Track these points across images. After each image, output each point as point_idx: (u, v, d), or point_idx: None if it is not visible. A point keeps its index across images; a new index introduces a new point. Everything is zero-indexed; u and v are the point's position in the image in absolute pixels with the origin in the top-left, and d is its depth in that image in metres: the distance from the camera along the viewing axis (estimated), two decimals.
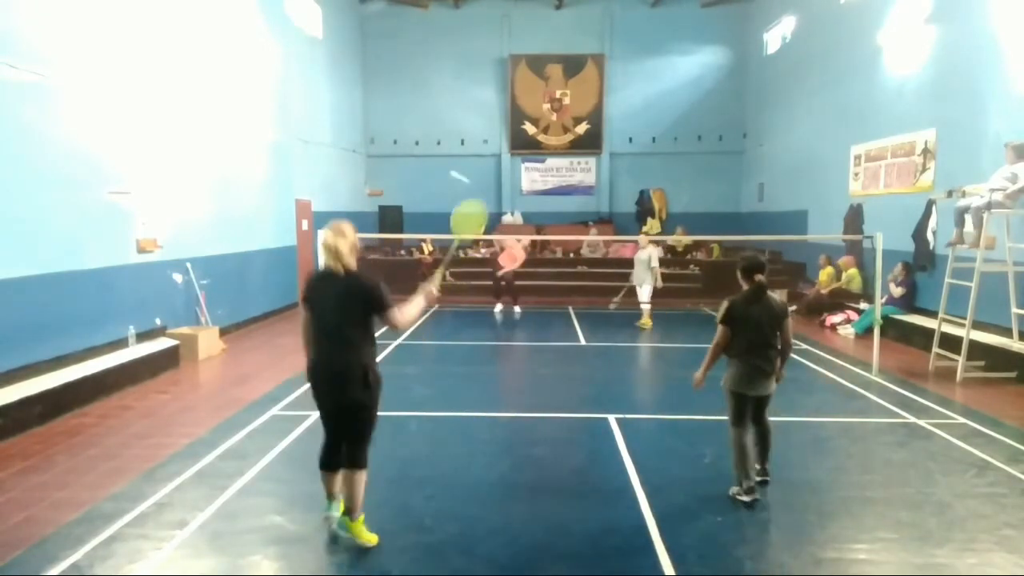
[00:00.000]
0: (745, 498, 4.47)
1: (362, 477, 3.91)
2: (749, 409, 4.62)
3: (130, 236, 8.30)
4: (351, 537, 3.91)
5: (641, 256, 11.61)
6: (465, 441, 5.90)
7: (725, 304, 4.59)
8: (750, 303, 4.53)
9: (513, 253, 12.71)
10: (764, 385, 4.59)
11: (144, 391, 7.42)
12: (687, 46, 19.09)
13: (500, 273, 12.63)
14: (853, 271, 12.22)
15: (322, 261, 3.95)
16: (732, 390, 4.62)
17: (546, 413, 6.77)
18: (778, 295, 4.95)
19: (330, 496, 4.07)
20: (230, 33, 10.95)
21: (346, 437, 3.94)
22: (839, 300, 12.09)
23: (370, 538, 3.92)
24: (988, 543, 3.99)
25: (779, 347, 4.60)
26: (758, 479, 4.62)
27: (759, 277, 4.52)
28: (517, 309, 12.69)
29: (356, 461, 3.90)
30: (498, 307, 12.68)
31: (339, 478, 4.00)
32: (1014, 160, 7.67)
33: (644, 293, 11.53)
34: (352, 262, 3.90)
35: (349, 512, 3.92)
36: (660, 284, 11.62)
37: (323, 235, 3.93)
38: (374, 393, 3.94)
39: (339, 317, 3.84)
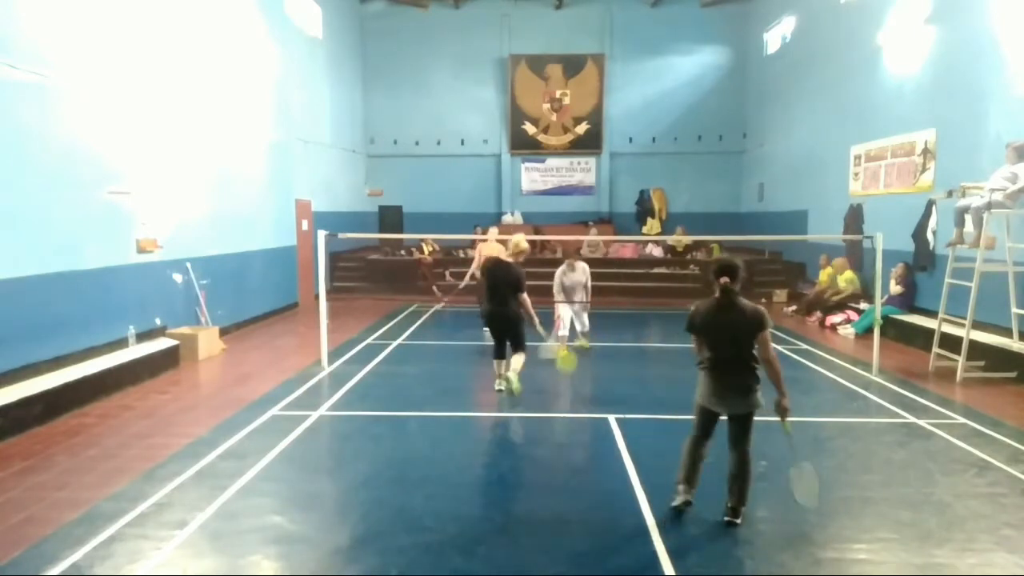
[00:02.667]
0: (673, 501, 4.22)
1: (521, 356, 7.14)
2: (712, 425, 4.26)
3: (130, 236, 8.30)
4: (513, 389, 6.99)
5: (578, 278, 9.44)
6: (465, 441, 5.90)
7: (690, 309, 4.25)
8: (714, 311, 4.11)
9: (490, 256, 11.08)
10: (735, 403, 4.12)
11: (144, 391, 7.42)
12: (687, 46, 19.09)
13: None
14: (850, 273, 12.21)
15: (504, 254, 7.69)
16: (698, 403, 4.25)
17: (546, 413, 6.77)
18: (768, 300, 4.56)
19: (499, 376, 7.31)
20: (230, 33, 10.95)
21: (510, 340, 7.23)
22: (841, 301, 12.07)
23: (519, 388, 7.02)
24: (988, 543, 3.99)
25: (753, 363, 4.10)
26: (725, 519, 4.14)
27: (724, 280, 4.04)
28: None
29: (517, 348, 7.19)
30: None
31: (504, 363, 7.26)
32: (1014, 160, 7.67)
33: (585, 319, 9.67)
34: (511, 258, 7.45)
35: (515, 374, 7.05)
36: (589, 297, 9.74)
37: (517, 238, 7.68)
38: (521, 320, 7.18)
39: (505, 286, 7.09)
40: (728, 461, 4.21)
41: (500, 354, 7.35)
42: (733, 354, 4.08)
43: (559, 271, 9.56)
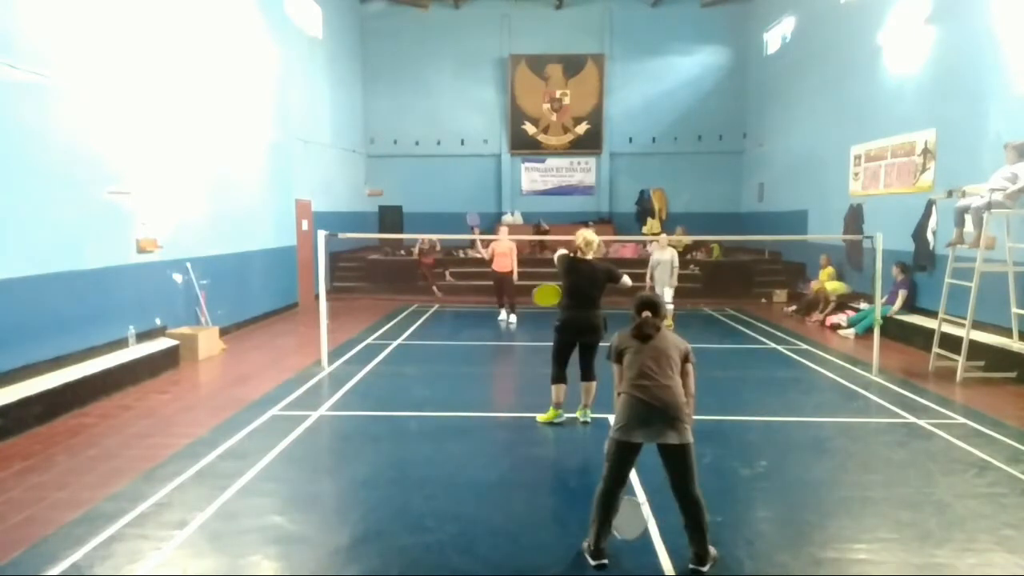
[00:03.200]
0: (590, 559, 3.68)
1: (593, 385, 6.21)
2: (629, 465, 3.72)
3: (130, 236, 8.30)
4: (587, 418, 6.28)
5: (663, 257, 11.13)
6: (465, 441, 5.90)
7: (613, 338, 3.97)
8: (636, 338, 3.82)
9: (501, 253, 11.72)
10: (660, 430, 3.57)
11: (144, 391, 7.42)
12: (687, 46, 19.10)
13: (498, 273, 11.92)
14: (838, 284, 12.30)
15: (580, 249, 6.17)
16: (612, 436, 3.70)
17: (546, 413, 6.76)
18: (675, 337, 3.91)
19: (557, 405, 6.22)
20: (230, 33, 10.95)
21: (584, 362, 6.19)
22: (840, 301, 12.08)
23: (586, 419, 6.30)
24: (988, 543, 3.99)
25: (678, 386, 3.71)
26: (691, 567, 3.61)
27: (645, 314, 3.84)
28: (512, 317, 11.80)
29: (592, 377, 6.20)
30: (502, 314, 11.97)
31: (564, 388, 6.16)
32: (1014, 160, 7.67)
33: (668, 295, 10.96)
34: (592, 255, 6.25)
35: (585, 407, 6.28)
36: (675, 283, 11.30)
37: (585, 232, 6.24)
38: (603, 334, 6.08)
39: (591, 287, 6.10)
40: (680, 512, 3.66)
41: (562, 376, 6.20)
42: (660, 372, 3.70)
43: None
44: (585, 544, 3.78)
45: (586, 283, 6.09)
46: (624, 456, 3.69)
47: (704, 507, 3.62)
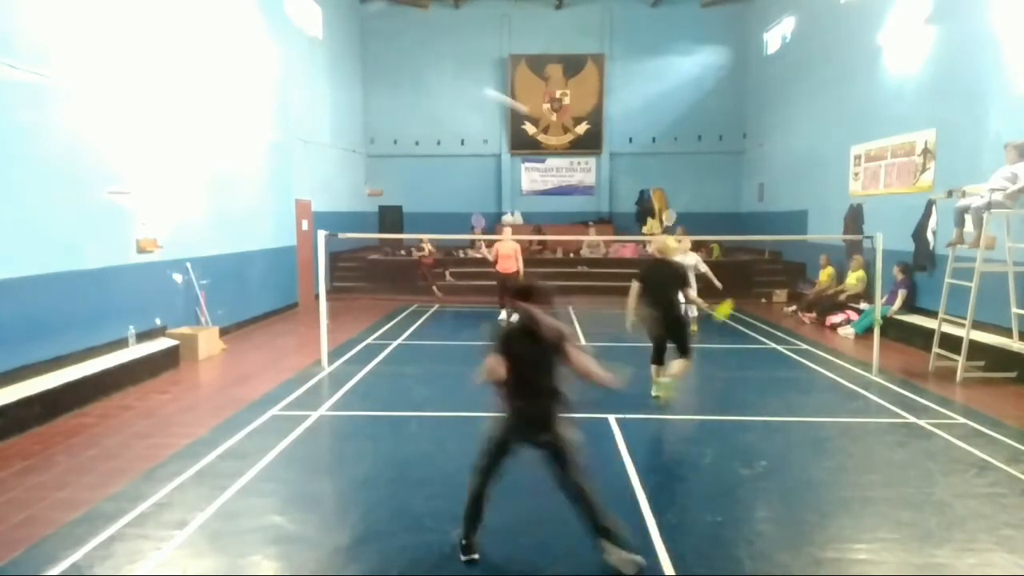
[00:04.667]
0: (461, 555, 3.76)
1: (685, 363, 6.81)
2: (504, 458, 3.81)
3: (130, 236, 8.30)
4: (666, 393, 6.83)
5: (688, 261, 10.09)
6: (465, 441, 5.88)
7: (501, 330, 3.98)
8: (516, 332, 3.77)
9: (505, 255, 11.66)
10: (535, 432, 3.77)
11: (144, 391, 7.42)
12: (687, 46, 19.10)
13: (501, 273, 12.15)
14: (861, 272, 12.17)
15: (657, 254, 7.19)
16: (492, 434, 3.84)
17: None
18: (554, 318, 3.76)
19: (656, 383, 6.96)
20: (230, 33, 10.95)
21: (679, 344, 6.81)
22: (843, 301, 12.03)
23: (668, 389, 6.84)
24: (988, 543, 3.99)
25: (556, 387, 3.76)
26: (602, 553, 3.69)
27: (520, 304, 3.74)
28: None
29: (686, 354, 6.83)
30: (503, 314, 12.07)
31: (657, 369, 7.00)
32: (1014, 160, 7.67)
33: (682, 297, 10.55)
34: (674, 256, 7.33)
35: (672, 376, 6.86)
36: (704, 283, 10.50)
37: (664, 239, 7.48)
38: (687, 323, 7.26)
39: (668, 287, 6.86)
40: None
41: (660, 359, 7.07)
42: (533, 378, 3.74)
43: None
44: (460, 540, 3.80)
45: (665, 282, 6.85)
46: (500, 454, 3.82)
47: (587, 493, 3.70)
